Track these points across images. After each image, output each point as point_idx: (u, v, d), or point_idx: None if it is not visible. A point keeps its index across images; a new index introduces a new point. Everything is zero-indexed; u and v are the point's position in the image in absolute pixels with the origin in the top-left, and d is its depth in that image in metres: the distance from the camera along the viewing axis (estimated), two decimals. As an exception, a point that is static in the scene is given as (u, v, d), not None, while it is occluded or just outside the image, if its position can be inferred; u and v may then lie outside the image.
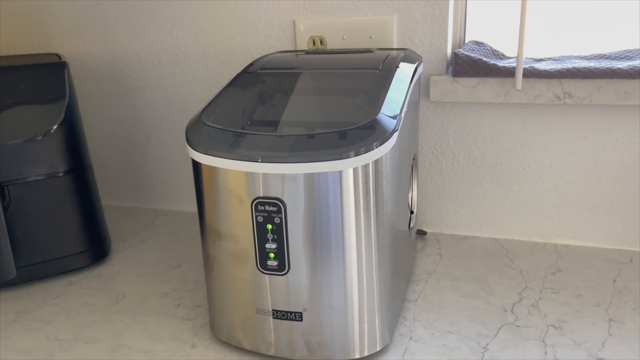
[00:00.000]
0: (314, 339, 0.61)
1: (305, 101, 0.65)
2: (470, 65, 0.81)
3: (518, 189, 0.88)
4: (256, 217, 0.57)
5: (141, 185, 1.10)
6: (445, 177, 0.91)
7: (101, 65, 1.03)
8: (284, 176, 0.55)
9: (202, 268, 0.86)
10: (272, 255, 0.58)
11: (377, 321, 0.62)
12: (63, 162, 0.80)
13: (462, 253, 0.87)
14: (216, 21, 0.94)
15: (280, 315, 0.61)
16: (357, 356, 0.62)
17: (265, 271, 0.59)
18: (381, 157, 0.56)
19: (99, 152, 1.10)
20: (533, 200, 0.88)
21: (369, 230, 0.58)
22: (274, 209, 0.56)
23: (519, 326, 0.69)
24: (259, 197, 0.56)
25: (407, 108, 0.64)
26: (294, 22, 0.89)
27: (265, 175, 0.55)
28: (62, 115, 0.80)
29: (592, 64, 0.77)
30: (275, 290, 0.60)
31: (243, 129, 0.60)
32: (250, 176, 0.56)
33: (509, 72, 0.79)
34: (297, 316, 0.60)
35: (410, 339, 0.67)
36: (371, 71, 0.67)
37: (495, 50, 0.85)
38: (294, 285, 0.59)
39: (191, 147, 0.59)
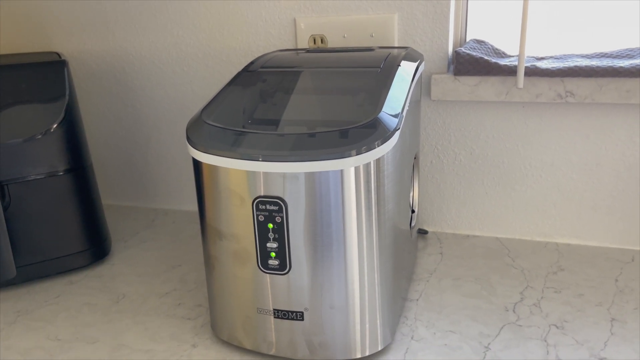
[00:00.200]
0: (315, 338, 0.61)
1: (306, 100, 0.64)
2: (471, 64, 0.80)
3: (520, 187, 0.88)
4: (257, 216, 0.57)
5: (141, 184, 1.10)
6: (446, 176, 0.91)
7: (101, 64, 1.03)
8: (285, 175, 0.54)
9: (202, 268, 0.86)
10: (273, 254, 0.58)
11: (378, 321, 0.62)
12: (63, 161, 0.80)
13: (464, 252, 0.87)
14: (217, 20, 0.93)
15: (281, 314, 0.60)
16: (359, 356, 0.62)
17: (266, 271, 0.59)
18: (382, 156, 0.56)
19: (99, 151, 1.10)
20: (535, 199, 0.88)
21: (370, 230, 0.58)
22: (275, 208, 0.56)
23: (520, 326, 0.68)
24: (260, 196, 0.56)
25: (408, 107, 0.63)
26: (294, 20, 0.89)
27: (266, 174, 0.55)
28: (62, 114, 0.79)
29: (594, 62, 0.77)
30: (276, 290, 0.60)
31: (244, 127, 0.60)
32: (251, 175, 0.55)
33: (511, 71, 0.79)
34: (298, 316, 0.60)
35: (412, 338, 0.67)
36: (372, 70, 0.67)
37: (497, 49, 0.85)
38: (295, 285, 0.59)
39: (192, 146, 0.59)
